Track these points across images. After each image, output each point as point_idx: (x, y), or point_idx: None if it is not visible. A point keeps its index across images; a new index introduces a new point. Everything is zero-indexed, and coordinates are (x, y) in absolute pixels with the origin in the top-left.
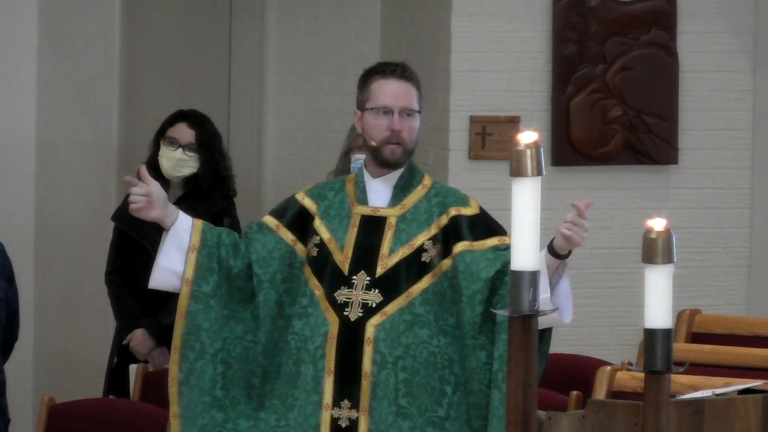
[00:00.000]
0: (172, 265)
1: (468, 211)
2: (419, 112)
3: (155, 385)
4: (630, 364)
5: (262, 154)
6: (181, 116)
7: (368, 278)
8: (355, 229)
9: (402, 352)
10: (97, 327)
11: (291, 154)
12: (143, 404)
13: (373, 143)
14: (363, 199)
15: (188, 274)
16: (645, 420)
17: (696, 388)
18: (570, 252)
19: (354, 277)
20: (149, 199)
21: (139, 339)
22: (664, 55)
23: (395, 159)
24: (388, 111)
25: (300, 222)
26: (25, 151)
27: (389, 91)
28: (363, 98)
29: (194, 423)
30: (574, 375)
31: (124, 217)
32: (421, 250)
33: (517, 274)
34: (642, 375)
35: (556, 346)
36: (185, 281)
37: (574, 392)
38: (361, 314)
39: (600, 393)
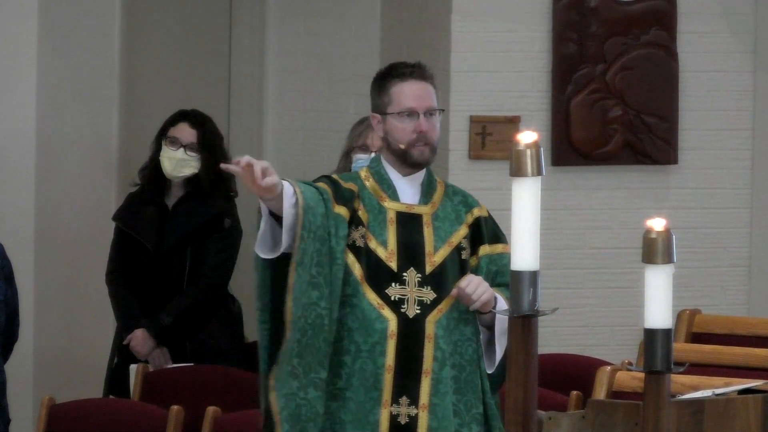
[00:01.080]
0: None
1: (483, 213)
2: (441, 109)
3: (155, 385)
4: (630, 364)
5: (262, 154)
6: (182, 116)
7: (419, 275)
8: (394, 226)
9: (452, 348)
10: (96, 327)
11: (291, 154)
12: (143, 404)
13: (401, 146)
14: (394, 196)
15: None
16: (645, 420)
17: (696, 388)
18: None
19: (404, 273)
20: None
21: (139, 339)
22: (664, 55)
23: (425, 159)
24: (412, 113)
25: (352, 205)
26: (25, 151)
27: (410, 93)
28: (383, 102)
29: (281, 392)
30: (574, 375)
31: (125, 217)
32: (460, 248)
33: (517, 274)
34: (642, 375)
35: (557, 346)
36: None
37: (574, 392)
38: (418, 311)
39: (600, 393)
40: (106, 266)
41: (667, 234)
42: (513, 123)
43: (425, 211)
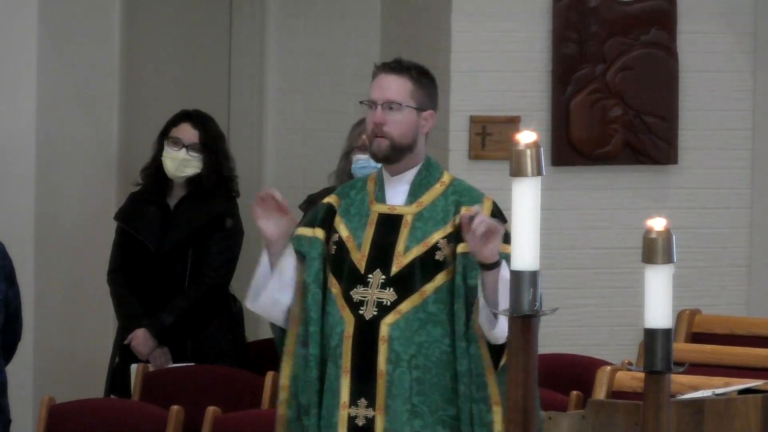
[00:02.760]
0: (280, 296)
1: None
2: (417, 108)
3: (155, 385)
4: (630, 364)
5: (262, 154)
6: (185, 116)
7: (383, 277)
8: (372, 228)
9: (415, 350)
10: (96, 327)
11: (291, 154)
12: (143, 404)
13: (365, 137)
14: (381, 198)
15: (295, 315)
16: (645, 420)
17: (696, 388)
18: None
19: (370, 275)
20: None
21: (140, 339)
22: (664, 55)
23: (380, 152)
24: (373, 105)
25: (329, 220)
26: (25, 151)
27: (376, 85)
28: None
29: None
30: (574, 375)
31: (126, 217)
32: (435, 248)
33: (517, 274)
34: (642, 375)
35: (557, 346)
36: (293, 320)
37: (574, 392)
38: (375, 313)
39: (600, 393)
40: (105, 266)
41: (667, 234)
42: (513, 123)
43: (408, 211)
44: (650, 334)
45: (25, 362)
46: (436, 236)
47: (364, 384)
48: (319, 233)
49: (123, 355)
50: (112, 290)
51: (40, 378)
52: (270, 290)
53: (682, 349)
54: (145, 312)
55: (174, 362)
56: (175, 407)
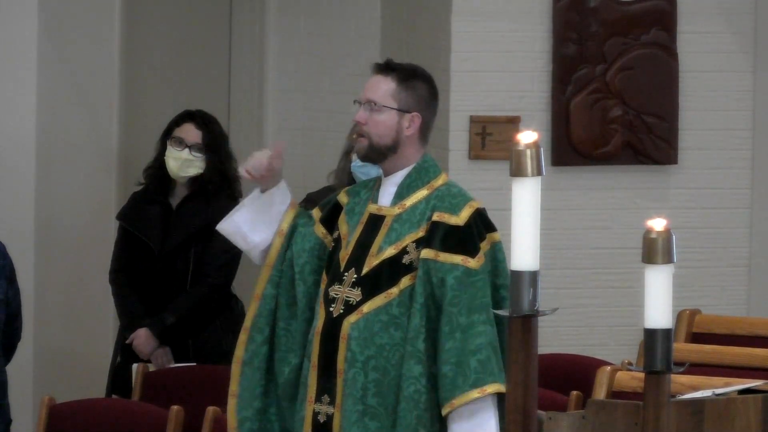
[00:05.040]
0: (249, 230)
1: (453, 220)
2: (398, 109)
3: (155, 385)
4: (630, 364)
5: None
6: (188, 116)
7: (355, 275)
8: (362, 227)
9: (375, 351)
10: (96, 327)
11: (291, 154)
12: (143, 404)
13: (354, 136)
14: (375, 198)
15: (271, 259)
16: (645, 420)
17: (696, 388)
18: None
19: (346, 273)
20: (271, 171)
21: (142, 338)
22: (664, 55)
23: (360, 152)
24: (359, 104)
25: (332, 217)
26: (25, 151)
27: (366, 84)
28: None
29: (251, 405)
30: (574, 375)
31: (129, 217)
32: (404, 251)
33: (517, 274)
34: (642, 375)
35: (557, 346)
36: (267, 265)
37: (574, 392)
38: (342, 311)
39: (600, 393)
40: (105, 266)
41: (667, 234)
42: (513, 123)
43: (390, 212)
44: (650, 334)
45: (25, 362)
46: (408, 239)
47: (327, 381)
48: (318, 229)
49: (124, 354)
50: (114, 290)
51: (40, 378)
52: (241, 214)
53: (682, 349)
54: (147, 312)
55: (175, 362)
56: (175, 407)
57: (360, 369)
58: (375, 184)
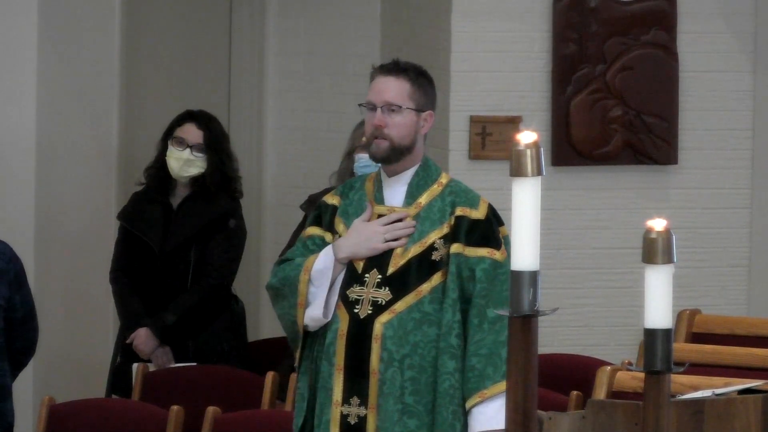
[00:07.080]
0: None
1: (474, 214)
2: (416, 109)
3: (155, 385)
4: (630, 364)
5: (262, 154)
6: (189, 116)
7: (380, 276)
8: None
9: (409, 350)
10: (96, 327)
11: (291, 154)
12: (143, 404)
13: (365, 139)
14: (380, 199)
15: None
16: (645, 420)
17: (696, 388)
18: None
19: (366, 275)
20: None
21: (142, 338)
22: (664, 55)
23: (380, 154)
24: (372, 107)
25: (333, 221)
26: (25, 151)
27: (375, 87)
28: None
29: None
30: (574, 375)
31: (129, 216)
32: (432, 248)
33: (517, 274)
34: (642, 375)
35: (557, 346)
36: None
37: (574, 392)
38: (370, 311)
39: (600, 393)
40: (106, 266)
41: (667, 234)
42: (513, 123)
43: (407, 212)
44: (650, 334)
45: None
46: (433, 236)
47: (356, 382)
48: (329, 237)
49: (124, 354)
50: (115, 290)
51: (40, 378)
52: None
53: (682, 349)
54: (148, 311)
55: (176, 362)
56: (175, 407)
57: (397, 368)
58: (363, 185)
